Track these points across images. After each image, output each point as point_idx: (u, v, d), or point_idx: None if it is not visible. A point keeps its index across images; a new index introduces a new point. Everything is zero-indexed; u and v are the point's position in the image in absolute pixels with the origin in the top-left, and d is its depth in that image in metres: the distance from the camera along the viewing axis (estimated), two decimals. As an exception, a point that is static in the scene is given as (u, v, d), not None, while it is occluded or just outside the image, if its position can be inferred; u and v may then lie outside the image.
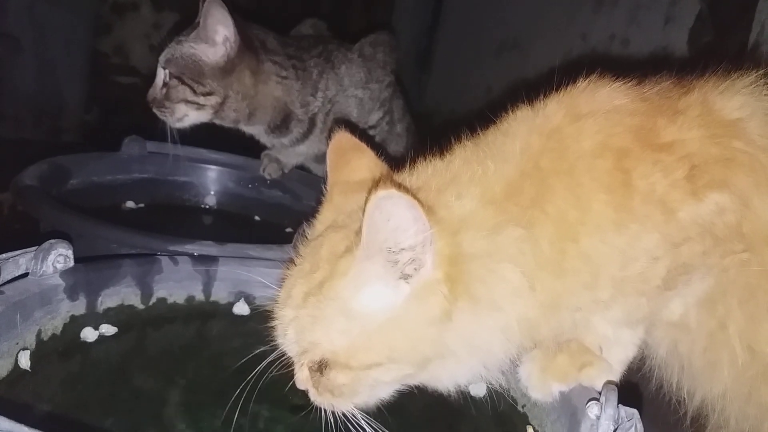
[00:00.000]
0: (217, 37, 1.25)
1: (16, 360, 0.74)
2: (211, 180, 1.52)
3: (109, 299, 0.86)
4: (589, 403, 0.68)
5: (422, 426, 0.79)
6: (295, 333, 0.66)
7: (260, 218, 1.50)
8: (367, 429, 0.68)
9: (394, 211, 0.58)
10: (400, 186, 0.59)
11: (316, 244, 0.69)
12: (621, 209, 0.66)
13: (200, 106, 1.28)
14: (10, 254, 0.76)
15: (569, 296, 0.68)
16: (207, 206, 1.52)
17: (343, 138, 0.78)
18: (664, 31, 1.57)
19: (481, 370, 0.69)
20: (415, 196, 0.58)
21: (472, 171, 0.68)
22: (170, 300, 0.92)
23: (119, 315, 0.87)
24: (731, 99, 0.72)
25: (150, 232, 1.02)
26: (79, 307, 0.82)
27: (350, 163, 0.76)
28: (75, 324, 0.82)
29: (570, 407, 0.73)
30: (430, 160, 0.72)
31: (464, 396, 0.77)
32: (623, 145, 0.68)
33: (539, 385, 0.77)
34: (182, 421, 0.73)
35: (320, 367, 0.65)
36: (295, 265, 0.70)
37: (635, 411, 0.66)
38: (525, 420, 0.82)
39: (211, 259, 0.95)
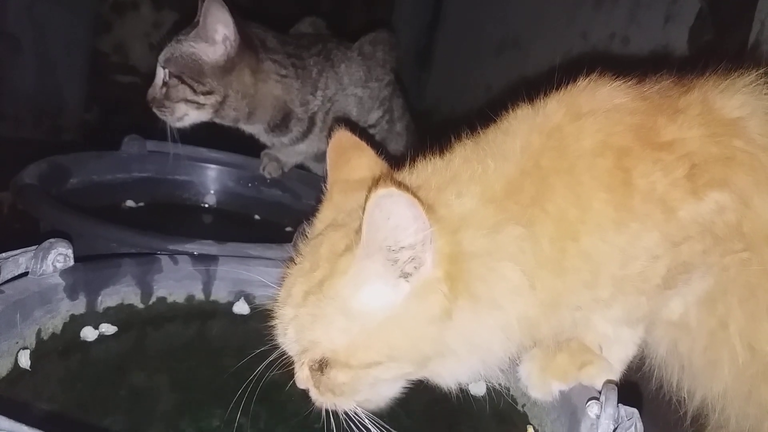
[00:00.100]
0: (217, 36, 1.25)
1: (16, 359, 0.74)
2: (211, 179, 1.52)
3: (109, 298, 0.86)
4: (589, 402, 0.68)
5: (422, 425, 0.79)
6: (295, 332, 0.66)
7: (260, 217, 1.50)
8: (370, 427, 0.68)
9: (394, 209, 0.58)
10: (400, 184, 0.58)
11: (316, 243, 0.69)
12: (621, 208, 0.66)
13: (200, 105, 1.28)
14: (9, 253, 0.76)
15: (569, 295, 0.68)
16: (207, 205, 1.52)
17: (343, 136, 0.78)
18: (665, 30, 1.57)
19: (481, 369, 0.69)
20: (415, 195, 0.58)
21: (472, 169, 0.68)
22: (170, 299, 0.92)
23: (119, 314, 0.87)
24: (731, 98, 0.72)
25: (150, 231, 1.02)
26: (79, 306, 0.82)
27: (350, 161, 0.76)
28: (75, 323, 0.82)
29: (570, 406, 0.73)
30: (430, 159, 0.72)
31: (464, 395, 0.76)
32: (623, 144, 0.68)
33: (539, 384, 0.77)
34: (182, 420, 0.73)
35: (320, 366, 0.65)
36: (295, 264, 0.70)
37: (635, 410, 0.66)
38: (525, 419, 0.82)
39: (211, 258, 0.95)
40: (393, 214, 0.58)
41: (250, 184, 1.53)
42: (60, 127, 2.28)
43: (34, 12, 2.11)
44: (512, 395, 0.83)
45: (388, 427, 0.68)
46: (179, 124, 1.30)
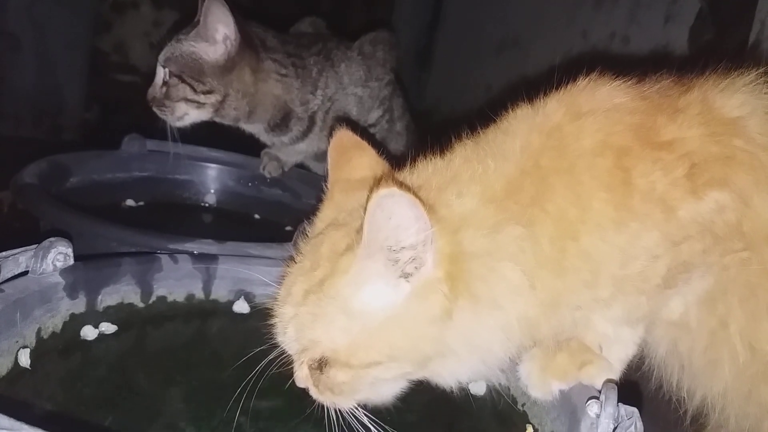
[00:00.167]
0: (218, 35, 1.25)
1: (16, 358, 0.74)
2: (211, 178, 1.52)
3: (109, 297, 0.86)
4: (589, 402, 0.68)
5: (422, 424, 0.79)
6: (295, 331, 0.66)
7: (260, 216, 1.50)
8: (370, 426, 0.68)
9: (396, 209, 0.58)
10: (401, 184, 0.58)
11: (316, 242, 0.69)
12: (621, 207, 0.66)
13: (200, 105, 1.28)
14: (9, 252, 0.76)
15: (569, 295, 0.68)
16: (207, 204, 1.52)
17: (344, 136, 0.78)
18: (665, 30, 1.57)
19: (481, 369, 0.69)
20: (416, 195, 0.58)
21: (472, 169, 0.68)
22: (170, 298, 0.92)
23: (119, 313, 0.87)
24: (731, 97, 0.72)
25: (150, 230, 1.02)
26: (79, 305, 0.82)
27: (351, 160, 0.76)
28: (75, 322, 0.82)
29: (570, 406, 0.73)
30: (431, 159, 0.72)
31: (464, 394, 0.77)
32: (623, 144, 0.68)
33: (539, 384, 0.77)
34: (182, 419, 0.73)
35: (320, 365, 0.65)
36: (296, 263, 0.70)
37: (635, 409, 0.66)
38: (525, 418, 0.82)
39: (211, 258, 0.95)
40: (394, 214, 0.58)
41: (250, 184, 1.53)
42: (60, 126, 2.28)
43: (34, 11, 2.11)
44: (512, 394, 0.83)
45: (386, 426, 0.68)
46: (179, 124, 1.30)
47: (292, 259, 0.71)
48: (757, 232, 0.70)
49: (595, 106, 0.70)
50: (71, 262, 0.81)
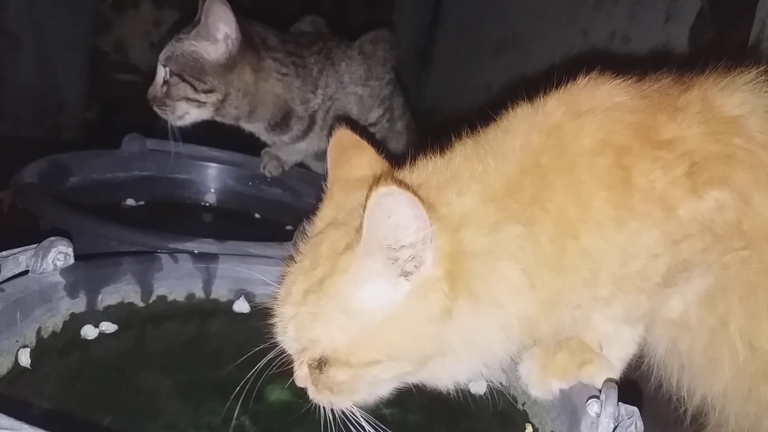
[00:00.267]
0: (219, 34, 1.25)
1: (16, 357, 0.74)
2: (212, 177, 1.52)
3: (109, 297, 0.86)
4: (589, 401, 0.68)
5: (422, 424, 0.79)
6: (295, 330, 0.66)
7: (260, 216, 1.50)
8: (366, 427, 0.68)
9: (395, 208, 0.58)
10: (401, 183, 0.58)
11: (316, 241, 0.69)
12: (621, 206, 0.66)
13: (201, 104, 1.28)
14: (10, 252, 0.76)
15: (569, 293, 0.68)
16: (207, 204, 1.52)
17: (343, 135, 0.78)
18: (665, 29, 1.57)
19: (481, 368, 0.69)
20: (416, 194, 0.58)
21: (472, 168, 0.68)
22: (170, 298, 0.92)
23: (119, 312, 0.87)
24: (731, 96, 0.72)
25: (150, 229, 1.02)
26: (80, 304, 0.82)
27: (351, 160, 0.76)
28: (75, 321, 0.82)
29: (570, 405, 0.73)
30: (431, 158, 0.72)
31: (464, 394, 0.76)
32: (623, 143, 0.68)
33: (539, 383, 0.77)
34: (182, 418, 0.73)
35: (320, 365, 0.65)
36: (296, 262, 0.70)
37: (635, 409, 0.66)
38: (525, 418, 0.82)
39: (211, 257, 0.95)
40: (394, 212, 0.58)
41: (250, 183, 1.53)
42: (60, 125, 2.28)
43: (34, 11, 2.11)
44: (512, 394, 0.83)
45: (384, 426, 0.68)
46: (180, 123, 1.30)
47: (292, 258, 0.71)
48: (757, 230, 0.70)
49: (595, 104, 0.70)
50: (71, 261, 0.81)
